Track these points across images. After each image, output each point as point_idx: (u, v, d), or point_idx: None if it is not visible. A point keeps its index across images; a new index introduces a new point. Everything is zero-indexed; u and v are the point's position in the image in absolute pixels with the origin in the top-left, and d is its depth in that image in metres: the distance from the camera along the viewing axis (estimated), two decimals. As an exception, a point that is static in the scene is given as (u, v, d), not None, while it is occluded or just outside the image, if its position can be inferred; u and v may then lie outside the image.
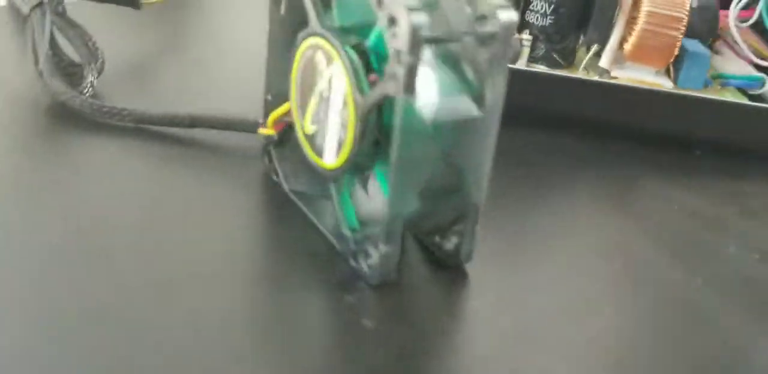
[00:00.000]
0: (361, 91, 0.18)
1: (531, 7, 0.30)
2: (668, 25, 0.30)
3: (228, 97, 0.28)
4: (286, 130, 0.23)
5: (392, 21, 0.16)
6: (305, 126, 0.21)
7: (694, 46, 0.31)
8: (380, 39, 0.18)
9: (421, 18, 0.16)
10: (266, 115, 0.23)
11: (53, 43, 0.25)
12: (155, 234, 0.21)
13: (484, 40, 0.17)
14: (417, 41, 0.16)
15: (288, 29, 0.21)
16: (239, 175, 0.24)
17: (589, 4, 0.30)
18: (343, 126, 0.19)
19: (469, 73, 0.18)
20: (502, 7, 0.17)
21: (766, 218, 0.27)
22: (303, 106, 0.21)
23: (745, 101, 0.31)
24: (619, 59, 0.31)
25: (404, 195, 0.18)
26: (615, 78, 0.31)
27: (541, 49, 0.31)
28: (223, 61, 0.32)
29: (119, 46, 0.30)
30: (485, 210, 0.19)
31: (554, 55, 0.31)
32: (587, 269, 0.23)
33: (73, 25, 0.26)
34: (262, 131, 0.24)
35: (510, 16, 0.17)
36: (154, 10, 0.33)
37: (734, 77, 0.33)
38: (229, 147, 0.25)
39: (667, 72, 0.32)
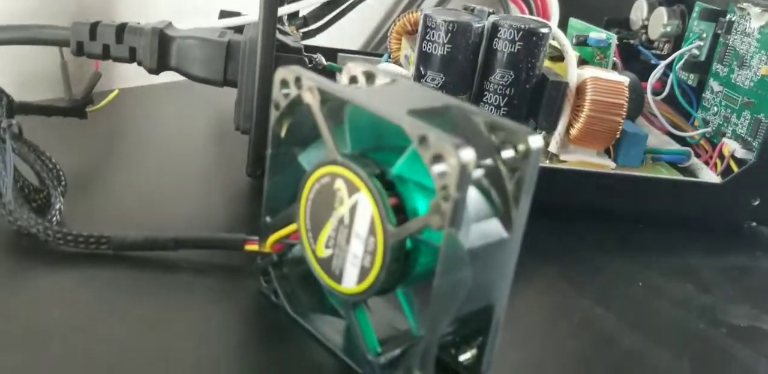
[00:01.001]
0: (390, 221, 0.18)
1: (485, 100, 0.32)
2: (611, 111, 0.31)
3: (181, 209, 0.28)
4: (285, 251, 0.22)
5: (437, 158, 0.16)
6: (318, 249, 0.21)
7: (631, 126, 0.34)
8: (407, 167, 0.18)
9: (469, 155, 0.16)
10: (264, 236, 0.22)
11: (16, 172, 0.23)
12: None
13: (512, 165, 0.18)
14: (465, 178, 0.16)
15: (289, 151, 0.21)
16: (230, 297, 0.23)
17: (538, 94, 0.32)
18: (369, 253, 0.19)
19: (495, 195, 0.19)
20: (528, 133, 0.18)
21: (719, 293, 0.28)
22: (315, 230, 0.20)
23: (679, 176, 0.33)
24: (564, 144, 0.33)
25: (441, 322, 0.18)
26: (563, 161, 0.33)
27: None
28: (168, 169, 0.32)
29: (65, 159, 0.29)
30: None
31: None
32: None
33: (30, 146, 0.25)
34: (249, 248, 0.24)
35: (537, 142, 0.18)
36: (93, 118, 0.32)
37: (665, 152, 0.35)
38: (211, 268, 0.24)
39: (608, 152, 0.34)
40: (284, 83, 0.21)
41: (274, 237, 0.22)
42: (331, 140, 0.19)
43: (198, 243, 0.24)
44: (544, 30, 0.31)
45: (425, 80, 0.31)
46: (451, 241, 0.17)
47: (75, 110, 0.30)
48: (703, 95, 0.39)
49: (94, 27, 0.29)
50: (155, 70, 0.29)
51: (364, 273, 0.19)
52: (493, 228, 0.19)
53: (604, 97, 0.31)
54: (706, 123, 0.38)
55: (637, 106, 0.36)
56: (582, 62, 0.37)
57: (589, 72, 0.32)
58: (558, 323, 0.25)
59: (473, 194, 0.18)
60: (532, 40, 0.30)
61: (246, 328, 0.22)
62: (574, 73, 0.32)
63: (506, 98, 0.31)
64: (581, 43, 0.37)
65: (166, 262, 0.24)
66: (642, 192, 0.32)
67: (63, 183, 0.25)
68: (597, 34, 0.37)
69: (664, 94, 0.39)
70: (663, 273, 0.29)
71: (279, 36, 0.29)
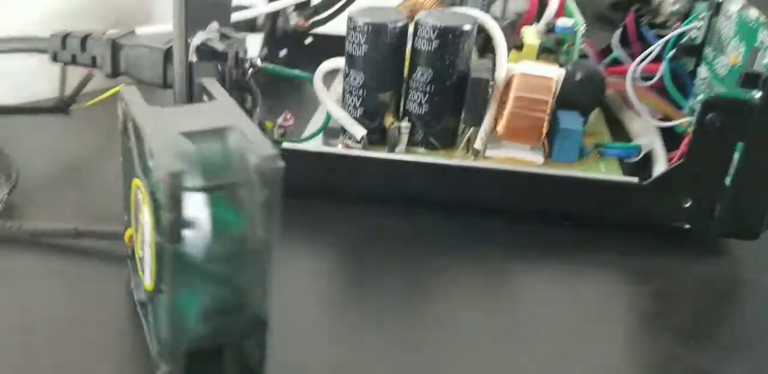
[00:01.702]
0: (158, 232, 0.21)
1: (410, 98, 0.33)
2: (534, 108, 0.31)
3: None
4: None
5: (159, 180, 0.19)
6: (136, 250, 0.24)
7: (569, 121, 0.33)
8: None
9: (180, 179, 0.18)
10: (124, 231, 0.26)
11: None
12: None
13: (261, 180, 0.20)
14: (175, 200, 0.19)
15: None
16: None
17: (462, 89, 0.32)
18: (150, 258, 0.22)
19: (245, 209, 0.21)
20: (269, 156, 0.19)
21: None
22: (136, 233, 0.24)
23: (598, 175, 0.32)
24: (496, 138, 0.33)
25: (183, 321, 0.21)
26: (488, 158, 0.33)
27: (420, 134, 0.33)
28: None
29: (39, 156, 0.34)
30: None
31: (431, 139, 0.33)
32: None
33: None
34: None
35: (270, 160, 0.19)
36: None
37: (612, 147, 0.34)
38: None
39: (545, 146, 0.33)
40: (121, 100, 0.24)
41: (128, 233, 0.26)
42: (136, 154, 0.22)
43: (97, 234, 0.28)
44: (466, 27, 0.31)
45: (348, 79, 0.33)
46: (172, 255, 0.20)
47: (58, 108, 0.35)
48: (694, 81, 0.37)
49: (64, 38, 0.34)
50: (111, 75, 0.33)
51: (151, 275, 0.22)
52: (237, 238, 0.21)
53: (527, 94, 0.31)
54: (692, 111, 0.36)
55: (593, 97, 0.34)
56: (546, 52, 0.37)
57: (521, 67, 0.32)
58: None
59: (218, 208, 0.21)
60: (449, 37, 0.31)
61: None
62: (501, 68, 0.32)
63: (427, 95, 0.32)
64: (550, 30, 0.36)
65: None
66: (560, 190, 0.31)
67: (15, 175, 0.30)
68: (564, 20, 0.36)
69: (655, 79, 0.37)
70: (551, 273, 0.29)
71: (212, 40, 0.32)
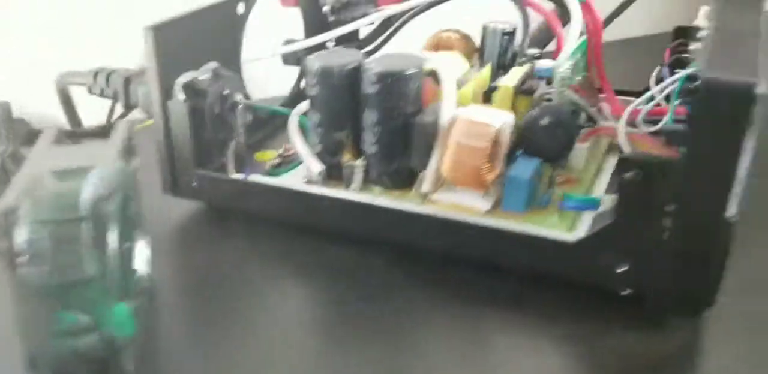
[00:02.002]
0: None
1: (362, 138, 0.33)
2: (472, 155, 0.31)
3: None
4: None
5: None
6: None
7: (520, 168, 0.32)
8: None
9: (11, 211, 0.22)
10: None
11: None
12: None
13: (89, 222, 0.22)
14: (8, 229, 0.22)
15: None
16: None
17: (409, 132, 0.32)
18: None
19: (80, 243, 0.23)
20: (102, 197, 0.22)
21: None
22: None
23: (531, 230, 0.30)
24: (447, 183, 0.32)
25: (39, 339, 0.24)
26: (435, 202, 0.32)
27: (374, 173, 0.34)
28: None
29: None
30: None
31: (384, 178, 0.34)
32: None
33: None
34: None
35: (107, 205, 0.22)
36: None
37: (571, 198, 0.32)
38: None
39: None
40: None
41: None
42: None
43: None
44: (409, 71, 0.31)
45: (310, 118, 0.34)
46: (9, 280, 0.23)
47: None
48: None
49: (96, 73, 0.39)
50: (126, 108, 0.38)
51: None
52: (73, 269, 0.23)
53: (465, 140, 0.31)
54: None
55: (559, 144, 0.33)
56: (523, 94, 0.35)
57: (467, 111, 0.31)
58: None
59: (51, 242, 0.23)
60: (388, 82, 0.31)
61: None
62: (446, 112, 0.32)
63: (376, 136, 0.33)
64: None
65: None
66: (488, 242, 0.30)
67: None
68: (544, 62, 0.34)
69: (659, 125, 0.34)
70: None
71: (198, 79, 0.35)
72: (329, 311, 0.30)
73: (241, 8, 0.38)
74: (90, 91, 0.40)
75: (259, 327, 0.29)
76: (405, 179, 0.33)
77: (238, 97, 0.36)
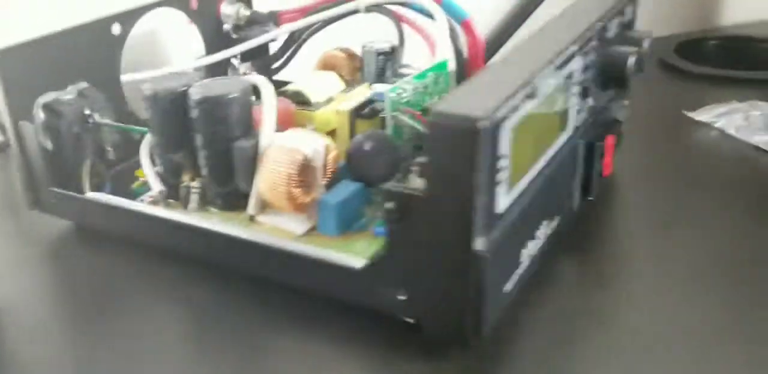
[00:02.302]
0: None
1: (198, 159, 0.34)
2: (282, 181, 0.31)
3: None
4: None
5: None
6: None
7: (334, 193, 0.32)
8: None
9: None
10: None
11: None
12: None
13: None
14: None
15: None
16: None
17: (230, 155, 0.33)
18: None
19: None
20: None
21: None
22: None
23: (321, 255, 0.30)
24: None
25: None
26: (259, 224, 0.33)
27: (210, 194, 0.34)
28: None
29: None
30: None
31: (218, 200, 0.34)
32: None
33: None
34: None
35: None
36: None
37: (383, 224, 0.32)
38: None
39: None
40: None
41: None
42: None
43: None
44: (229, 96, 0.32)
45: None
46: None
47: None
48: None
49: None
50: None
51: None
52: None
53: (275, 166, 0.31)
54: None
55: (382, 169, 0.32)
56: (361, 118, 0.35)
57: (282, 137, 0.32)
58: None
59: None
60: (206, 107, 0.32)
61: None
62: (264, 137, 0.32)
63: (204, 159, 0.33)
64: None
65: None
66: (290, 264, 0.30)
67: None
68: (381, 86, 0.35)
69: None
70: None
71: (59, 100, 0.36)
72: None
73: (116, 29, 0.39)
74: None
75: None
76: (238, 201, 0.34)
77: (96, 117, 0.37)
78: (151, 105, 0.33)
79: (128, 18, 0.40)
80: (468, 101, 0.24)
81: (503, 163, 0.25)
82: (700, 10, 0.68)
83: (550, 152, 0.30)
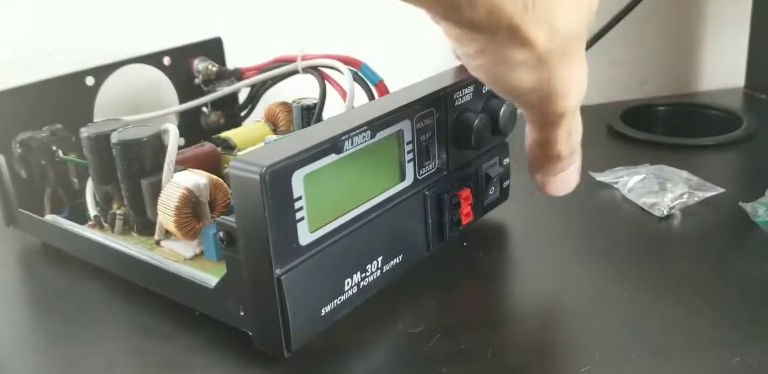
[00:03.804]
0: None
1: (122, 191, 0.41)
2: (170, 212, 0.37)
3: None
4: None
5: None
6: None
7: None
8: None
9: None
10: None
11: None
12: None
13: None
14: None
15: None
16: None
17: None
18: None
19: None
20: None
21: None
22: None
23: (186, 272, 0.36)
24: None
25: None
26: (161, 247, 0.40)
27: (131, 222, 0.41)
28: None
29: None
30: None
31: (136, 225, 0.41)
32: None
33: None
34: None
35: None
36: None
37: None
38: None
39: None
40: None
41: None
42: None
43: None
44: (142, 139, 0.39)
45: (90, 172, 0.43)
46: None
47: None
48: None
49: None
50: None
51: None
52: None
53: (165, 199, 0.37)
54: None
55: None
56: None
57: (179, 175, 0.38)
58: None
59: None
60: (120, 148, 0.39)
61: None
62: (165, 174, 0.39)
63: (124, 192, 0.40)
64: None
65: None
66: (169, 281, 0.37)
67: None
68: (269, 137, 0.41)
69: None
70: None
71: (33, 137, 0.44)
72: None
73: (90, 81, 0.48)
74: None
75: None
76: (150, 227, 0.41)
77: (61, 153, 0.45)
78: (86, 145, 0.41)
79: (102, 72, 0.48)
80: (264, 153, 0.30)
81: (299, 203, 0.31)
82: (662, 77, 0.72)
83: (379, 198, 0.35)
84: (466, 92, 0.39)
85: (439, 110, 0.37)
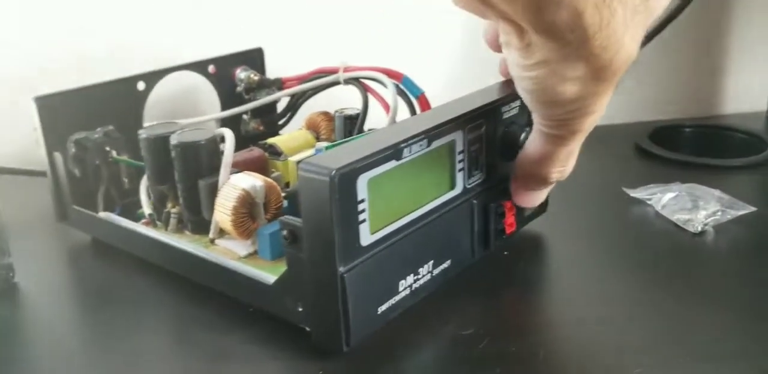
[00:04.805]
0: None
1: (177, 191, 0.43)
2: (227, 211, 0.39)
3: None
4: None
5: None
6: None
7: (270, 225, 0.39)
8: None
9: None
10: None
11: None
12: None
13: None
14: None
15: None
16: None
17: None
18: None
19: None
20: None
21: None
22: None
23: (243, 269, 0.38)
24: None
25: None
26: (215, 246, 0.41)
27: (185, 221, 0.43)
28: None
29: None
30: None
31: (189, 224, 0.43)
32: None
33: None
34: None
35: None
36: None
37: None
38: None
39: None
40: None
41: None
42: None
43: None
44: (200, 142, 0.40)
45: (146, 173, 0.44)
46: None
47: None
48: None
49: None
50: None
51: None
52: None
53: (223, 200, 0.39)
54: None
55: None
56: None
57: (235, 177, 0.40)
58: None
59: None
60: (179, 150, 0.40)
61: None
62: (222, 176, 0.40)
63: (180, 192, 0.42)
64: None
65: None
66: (228, 278, 0.38)
67: None
68: (320, 143, 0.43)
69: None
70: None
71: (87, 137, 0.46)
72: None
73: (141, 85, 0.50)
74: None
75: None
76: (204, 227, 0.42)
77: (114, 153, 0.47)
78: (144, 146, 0.42)
79: (152, 77, 0.50)
80: (332, 157, 0.32)
81: (362, 205, 0.32)
82: (688, 99, 0.74)
83: (432, 205, 0.37)
84: (513, 106, 0.40)
85: (488, 122, 0.39)
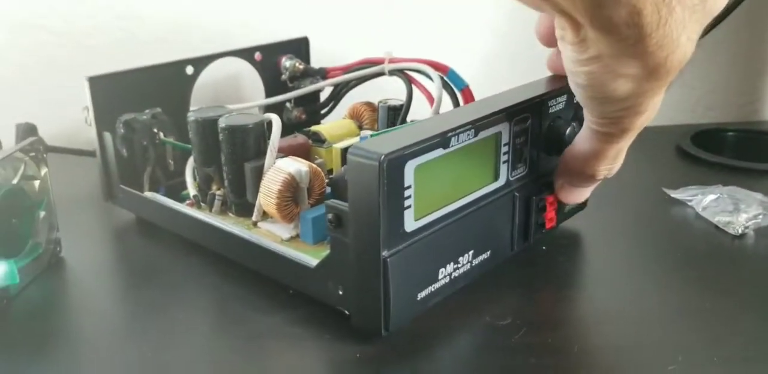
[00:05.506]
0: None
1: (223, 173, 0.43)
2: (271, 195, 0.40)
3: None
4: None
5: None
6: None
7: (313, 210, 0.40)
8: None
9: None
10: None
11: None
12: None
13: None
14: None
15: None
16: None
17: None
18: None
19: None
20: None
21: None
22: None
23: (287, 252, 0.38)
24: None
25: None
26: (258, 228, 0.42)
27: (229, 203, 0.44)
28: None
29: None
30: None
31: (233, 207, 0.43)
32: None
33: None
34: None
35: None
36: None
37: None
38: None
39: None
40: None
41: None
42: None
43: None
44: (246, 126, 0.41)
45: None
46: None
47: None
48: None
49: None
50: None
51: None
52: None
53: (268, 183, 0.40)
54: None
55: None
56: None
57: (281, 161, 0.40)
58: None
59: None
60: (227, 133, 0.41)
61: None
62: (268, 160, 0.41)
63: (226, 174, 0.43)
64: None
65: None
66: (270, 260, 0.39)
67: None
68: (365, 132, 0.43)
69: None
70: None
71: (135, 119, 0.47)
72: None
73: (189, 70, 0.50)
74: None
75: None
76: (248, 209, 0.43)
77: (161, 135, 0.48)
78: (192, 128, 0.43)
79: (200, 62, 0.51)
80: (380, 142, 0.32)
81: (408, 192, 0.32)
82: (728, 104, 0.73)
83: (475, 195, 0.37)
84: (559, 100, 0.40)
85: (534, 116, 0.39)
